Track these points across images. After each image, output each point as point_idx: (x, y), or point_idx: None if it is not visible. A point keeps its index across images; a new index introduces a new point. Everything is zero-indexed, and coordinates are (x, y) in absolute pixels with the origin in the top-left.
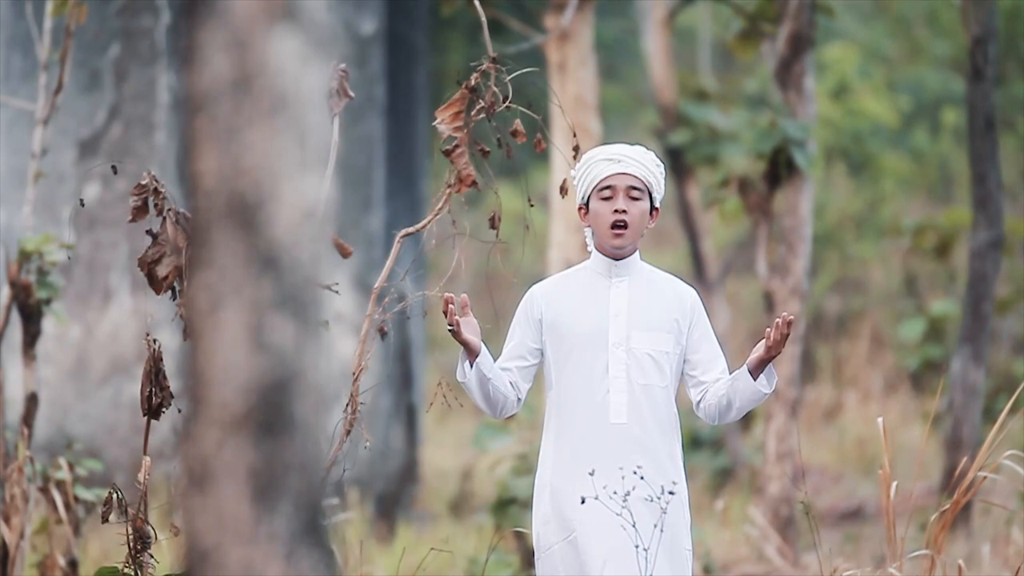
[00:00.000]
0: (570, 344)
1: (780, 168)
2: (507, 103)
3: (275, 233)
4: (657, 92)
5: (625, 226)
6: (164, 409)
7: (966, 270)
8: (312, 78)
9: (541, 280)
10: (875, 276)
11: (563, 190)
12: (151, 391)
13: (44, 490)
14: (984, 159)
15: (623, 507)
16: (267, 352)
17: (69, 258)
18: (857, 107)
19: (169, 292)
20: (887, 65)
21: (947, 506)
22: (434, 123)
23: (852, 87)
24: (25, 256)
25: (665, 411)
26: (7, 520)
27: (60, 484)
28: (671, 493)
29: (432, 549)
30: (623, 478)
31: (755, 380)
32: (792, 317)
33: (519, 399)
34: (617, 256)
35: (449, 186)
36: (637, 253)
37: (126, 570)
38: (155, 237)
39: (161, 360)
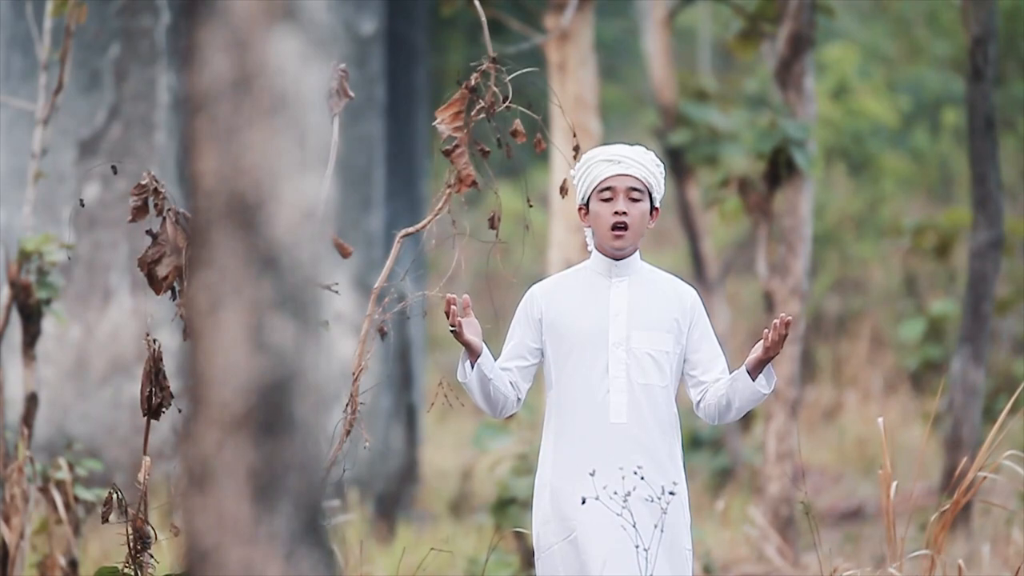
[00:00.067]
0: (570, 344)
1: (780, 168)
2: (507, 103)
3: (275, 233)
4: (657, 92)
5: (626, 228)
6: (164, 409)
7: (966, 270)
8: (312, 78)
9: (541, 280)
10: (875, 276)
11: (563, 190)
12: (151, 391)
13: (44, 490)
14: (984, 159)
15: (623, 507)
16: (267, 352)
17: (69, 258)
18: (857, 107)
19: (169, 292)
20: (887, 65)
21: (947, 506)
22: (434, 123)
23: (852, 87)
24: (25, 256)
25: (665, 411)
26: (7, 520)
27: (60, 484)
28: (671, 493)
29: (432, 549)
30: (623, 478)
31: (754, 381)
32: (790, 318)
33: (519, 399)
34: (617, 256)
35: (449, 186)
36: (637, 253)
37: (126, 570)
38: (155, 237)
39: (161, 360)
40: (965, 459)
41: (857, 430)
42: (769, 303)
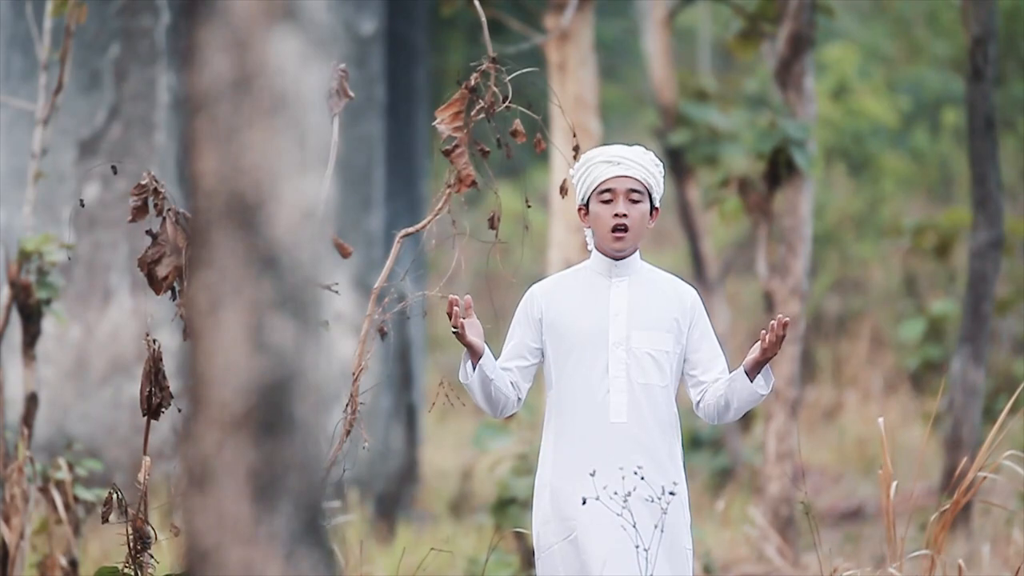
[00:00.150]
0: (570, 344)
1: (780, 168)
2: (507, 103)
3: (275, 233)
4: (657, 92)
5: (626, 230)
6: (164, 409)
7: (966, 270)
8: (312, 78)
9: (541, 280)
10: (875, 276)
11: (563, 190)
12: (151, 391)
13: (44, 490)
14: (984, 159)
15: (623, 507)
16: (267, 352)
17: (69, 258)
18: (857, 107)
19: (169, 292)
20: (887, 65)
21: (947, 506)
22: (434, 123)
23: (852, 87)
24: (25, 256)
25: (665, 411)
26: (7, 520)
27: (60, 484)
28: (671, 493)
29: (432, 549)
30: (623, 478)
31: (752, 381)
32: (787, 319)
33: (519, 399)
34: (617, 256)
35: (449, 186)
36: (637, 253)
37: (126, 570)
38: (155, 237)
39: (161, 360)
40: (965, 459)
41: (857, 430)
42: (769, 303)
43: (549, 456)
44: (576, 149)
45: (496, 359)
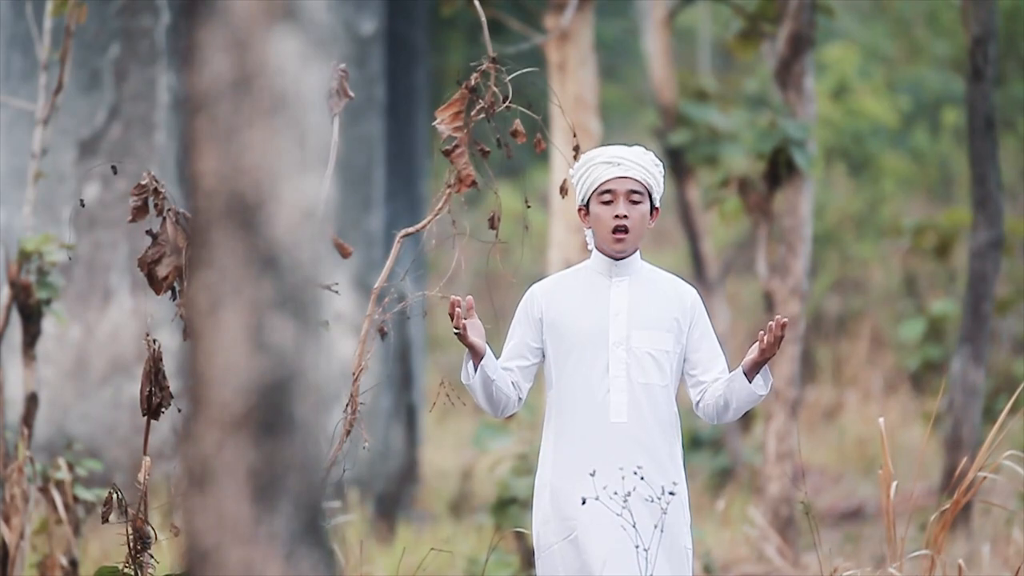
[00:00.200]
0: (570, 343)
1: (780, 168)
2: (507, 103)
3: (275, 233)
4: (657, 92)
5: (626, 231)
6: (164, 409)
7: (966, 270)
8: (312, 78)
9: (541, 279)
10: (875, 276)
11: (563, 190)
12: (151, 391)
13: (44, 490)
14: (984, 159)
15: (623, 507)
16: (267, 352)
17: (69, 258)
18: (857, 107)
19: (169, 292)
20: (887, 65)
21: (947, 506)
22: (434, 123)
23: (852, 87)
24: (25, 256)
25: (665, 410)
26: (7, 520)
27: (60, 484)
28: (671, 494)
29: (432, 549)
30: (623, 478)
31: (750, 382)
32: (786, 320)
33: (520, 399)
34: (618, 256)
35: (449, 186)
36: (637, 252)
37: (126, 570)
38: (155, 237)
39: (161, 360)
40: (965, 459)
41: (857, 430)
42: (769, 303)
43: (549, 456)
44: (576, 149)
45: (497, 359)
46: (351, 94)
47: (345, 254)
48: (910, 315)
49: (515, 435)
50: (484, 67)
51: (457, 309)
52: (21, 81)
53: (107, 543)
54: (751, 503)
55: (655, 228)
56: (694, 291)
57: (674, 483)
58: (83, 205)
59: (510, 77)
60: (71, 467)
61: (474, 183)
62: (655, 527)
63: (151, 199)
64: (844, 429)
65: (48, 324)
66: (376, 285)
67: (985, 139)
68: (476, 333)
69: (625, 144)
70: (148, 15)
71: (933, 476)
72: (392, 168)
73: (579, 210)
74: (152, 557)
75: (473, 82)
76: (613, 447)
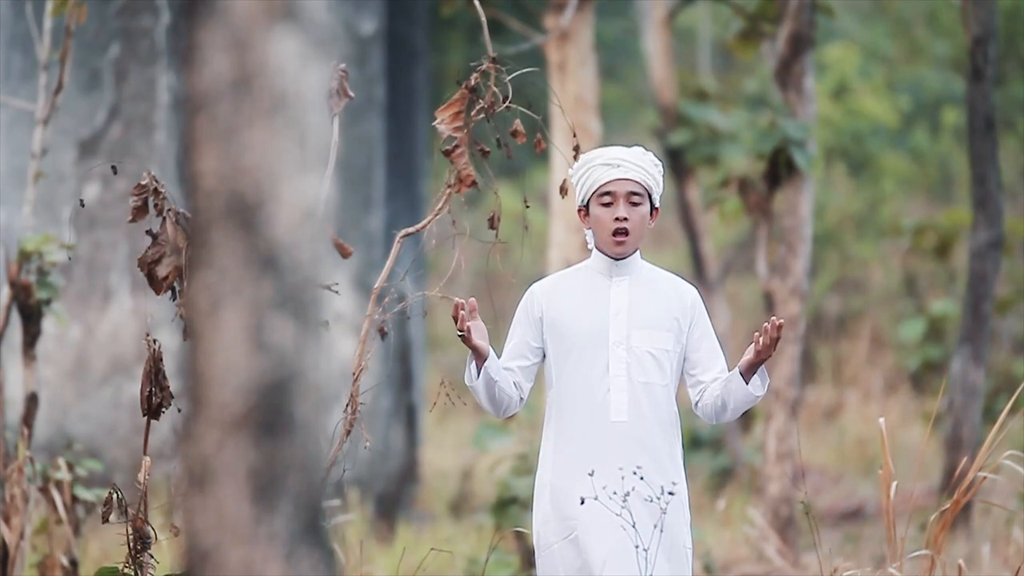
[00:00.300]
0: (570, 343)
1: (780, 168)
2: (507, 103)
3: (275, 233)
4: (657, 92)
5: (627, 233)
6: (164, 409)
7: (966, 270)
8: (312, 78)
9: (541, 279)
10: (875, 276)
11: (563, 190)
12: (151, 391)
13: (44, 490)
14: (984, 159)
15: (623, 507)
16: (267, 352)
17: (69, 258)
18: (857, 107)
19: (169, 292)
20: (887, 65)
21: (947, 506)
22: (434, 123)
23: (852, 87)
24: (25, 256)
25: (666, 410)
26: (7, 520)
27: (60, 484)
28: (671, 493)
29: (432, 549)
30: (623, 478)
31: (747, 383)
32: (781, 321)
33: (522, 398)
34: (618, 257)
35: (449, 186)
36: (638, 252)
37: (126, 570)
38: (155, 237)
39: (161, 360)
40: (965, 459)
41: (857, 430)
42: (769, 303)
43: (549, 455)
44: (576, 149)
45: (498, 360)
46: (351, 94)
47: (345, 254)
48: (910, 315)
49: (515, 435)
50: (484, 67)
51: (461, 312)
52: (21, 81)
53: (107, 543)
54: (751, 503)
55: (655, 228)
56: (694, 291)
57: (674, 483)
58: (83, 205)
59: (510, 77)
60: (71, 467)
61: (474, 183)
62: (655, 527)
63: (151, 199)
64: (844, 429)
65: (48, 324)
66: (376, 285)
67: (985, 139)
68: (479, 335)
69: (625, 144)
70: (148, 15)
71: (933, 476)
72: (392, 168)
73: (579, 211)
74: (152, 557)
75: (473, 82)
76: (613, 446)
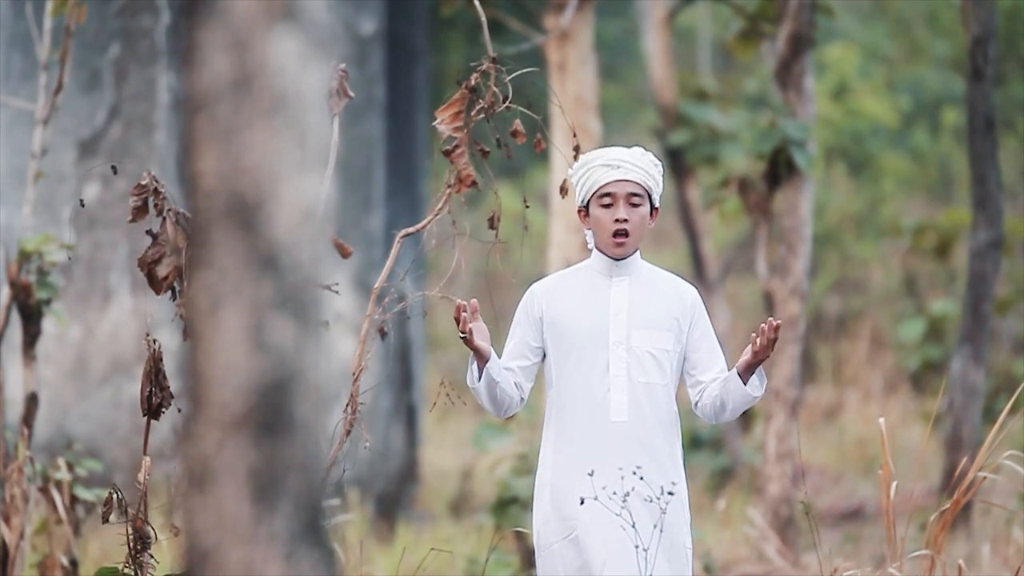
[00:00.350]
0: (570, 343)
1: (780, 168)
2: (507, 103)
3: (275, 233)
4: (657, 92)
5: (627, 234)
6: (164, 409)
7: (966, 270)
8: (312, 78)
9: (541, 279)
10: (875, 276)
11: (563, 190)
12: (151, 391)
13: (44, 490)
14: (984, 159)
15: (623, 507)
16: (267, 352)
17: (69, 258)
18: (857, 107)
19: (169, 292)
20: (887, 65)
21: (947, 506)
22: (434, 123)
23: (852, 87)
24: (25, 256)
25: (666, 410)
26: (7, 520)
27: (60, 484)
28: (670, 493)
29: (432, 549)
30: (623, 478)
31: (745, 383)
32: (779, 322)
33: (523, 399)
34: (618, 257)
35: (449, 186)
36: (638, 252)
37: (126, 570)
38: (155, 237)
39: (161, 360)
40: (965, 459)
41: (857, 430)
42: (769, 303)
43: (549, 455)
44: (576, 149)
45: (499, 360)
46: (351, 94)
47: (345, 254)
48: (910, 315)
49: (515, 435)
50: (484, 67)
51: (463, 314)
52: (21, 81)
53: (107, 543)
54: (751, 503)
55: (655, 228)
56: (694, 290)
57: (673, 483)
58: (83, 205)
59: (510, 77)
60: (71, 467)
61: (474, 183)
62: (655, 527)
63: (151, 199)
64: (844, 429)
65: (48, 324)
66: (376, 285)
67: (985, 139)
68: (481, 336)
69: (625, 145)
70: (148, 15)
71: (933, 476)
72: (392, 168)
73: (579, 211)
74: (152, 557)
75: (473, 82)
76: (613, 446)
